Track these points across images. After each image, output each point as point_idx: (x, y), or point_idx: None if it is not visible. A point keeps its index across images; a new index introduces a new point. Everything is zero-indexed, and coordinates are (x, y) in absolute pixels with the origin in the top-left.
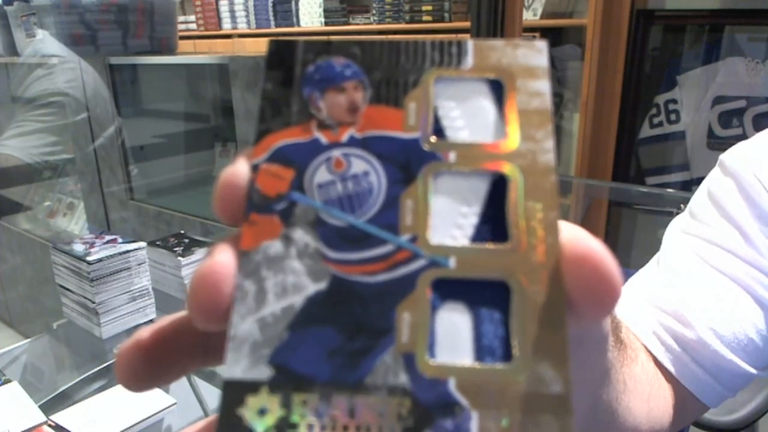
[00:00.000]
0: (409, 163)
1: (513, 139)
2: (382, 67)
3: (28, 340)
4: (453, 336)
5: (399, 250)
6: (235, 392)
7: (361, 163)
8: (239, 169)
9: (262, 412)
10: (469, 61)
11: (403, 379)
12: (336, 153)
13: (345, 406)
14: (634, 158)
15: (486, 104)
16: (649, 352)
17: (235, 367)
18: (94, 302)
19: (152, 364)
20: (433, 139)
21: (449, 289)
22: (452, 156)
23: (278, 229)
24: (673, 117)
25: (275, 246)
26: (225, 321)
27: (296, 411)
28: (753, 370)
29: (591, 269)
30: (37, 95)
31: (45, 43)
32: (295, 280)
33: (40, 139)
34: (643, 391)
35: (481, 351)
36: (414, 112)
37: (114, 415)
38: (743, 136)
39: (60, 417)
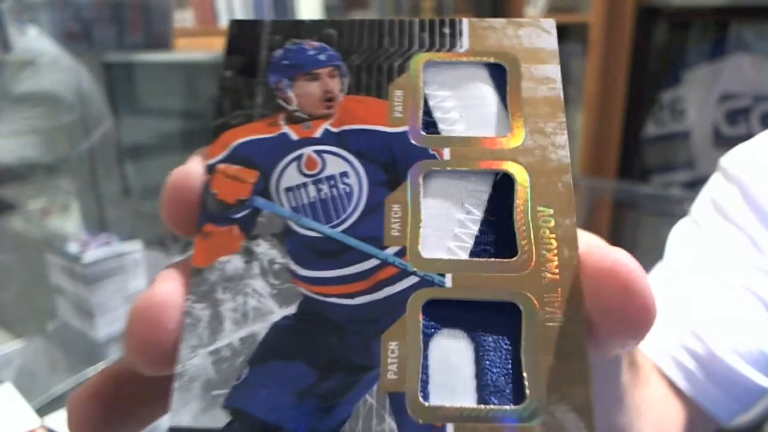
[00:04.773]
0: (394, 161)
1: (518, 133)
2: (362, 51)
3: (22, 341)
4: (451, 371)
5: (383, 266)
6: None
7: (337, 162)
8: (192, 170)
9: None
10: (465, 43)
11: (390, 425)
12: (308, 150)
13: None
14: (639, 156)
15: (485, 92)
16: (660, 370)
17: (183, 412)
18: (89, 303)
19: (110, 415)
20: (423, 133)
21: (445, 313)
22: (447, 153)
23: (238, 241)
24: (678, 115)
25: (234, 262)
26: (173, 363)
27: None
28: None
29: (618, 287)
30: (20, 95)
31: (36, 41)
32: (258, 304)
33: (18, 142)
34: (655, 414)
35: (485, 390)
36: (401, 102)
37: None
38: (750, 135)
39: (54, 420)
